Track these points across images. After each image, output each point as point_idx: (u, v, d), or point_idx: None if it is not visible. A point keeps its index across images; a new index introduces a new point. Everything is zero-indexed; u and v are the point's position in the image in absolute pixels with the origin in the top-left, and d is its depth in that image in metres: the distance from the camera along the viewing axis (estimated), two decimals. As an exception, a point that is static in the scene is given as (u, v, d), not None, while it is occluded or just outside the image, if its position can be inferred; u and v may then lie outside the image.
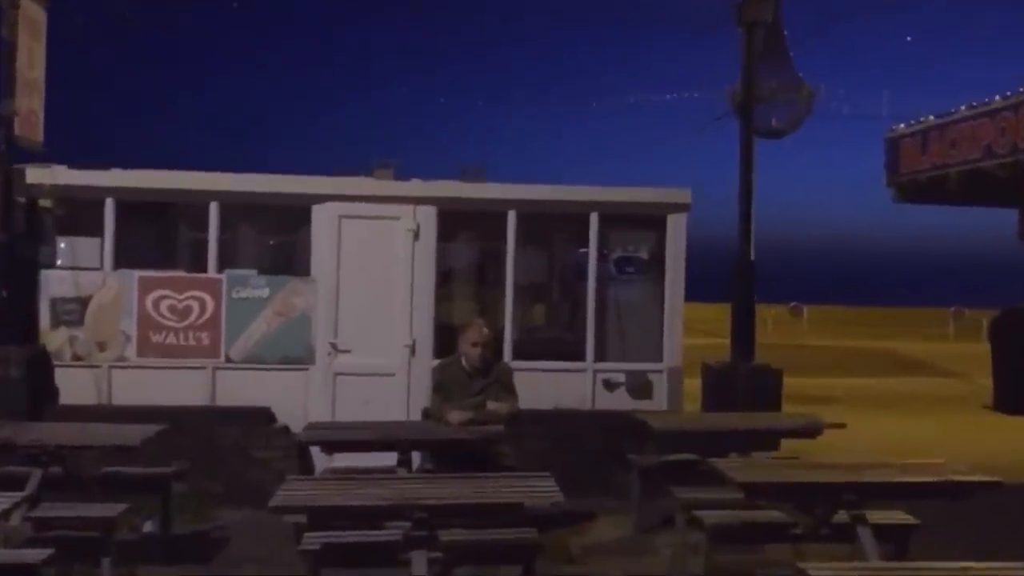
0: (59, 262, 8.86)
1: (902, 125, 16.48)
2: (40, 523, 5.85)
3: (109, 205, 8.75)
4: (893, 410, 14.71)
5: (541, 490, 5.28)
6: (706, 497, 6.32)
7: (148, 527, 7.08)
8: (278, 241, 9.72)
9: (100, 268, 8.78)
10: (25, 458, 6.35)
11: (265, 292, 8.84)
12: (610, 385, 9.08)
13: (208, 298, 8.78)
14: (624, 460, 7.79)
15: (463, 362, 7.04)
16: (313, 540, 5.30)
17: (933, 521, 5.93)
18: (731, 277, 9.81)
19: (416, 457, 7.26)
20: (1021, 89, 13.82)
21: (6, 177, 8.49)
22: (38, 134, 8.83)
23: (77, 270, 8.78)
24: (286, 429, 8.46)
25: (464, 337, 7.05)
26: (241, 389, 8.70)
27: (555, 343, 9.51)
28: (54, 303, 8.70)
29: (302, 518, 5.44)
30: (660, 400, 9.10)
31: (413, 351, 8.92)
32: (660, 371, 9.15)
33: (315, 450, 8.03)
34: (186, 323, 8.76)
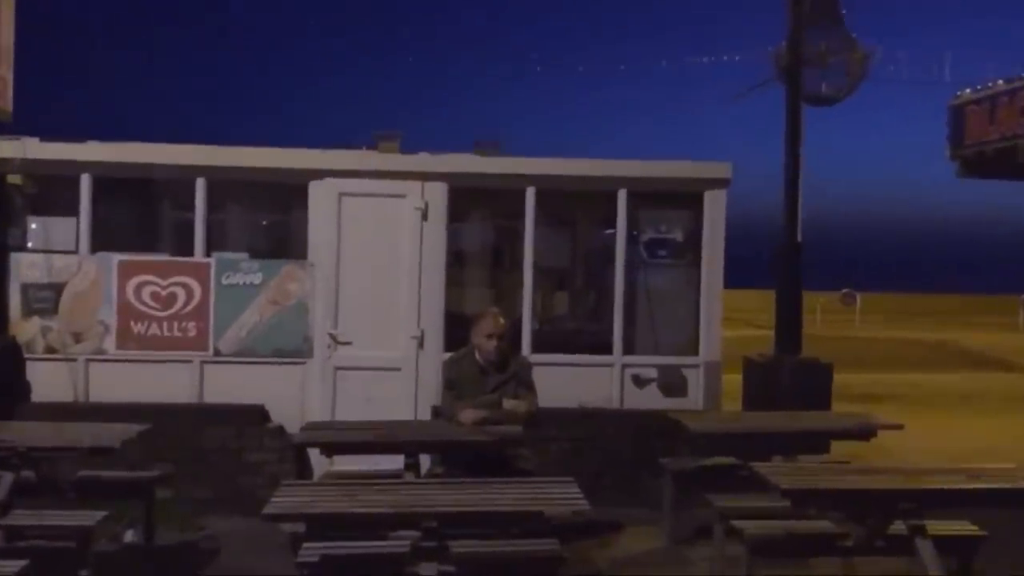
0: (30, 245, 8.90)
1: (967, 91, 16.33)
2: (11, 532, 5.90)
3: (85, 181, 8.78)
4: (956, 409, 14.66)
5: (563, 497, 5.28)
6: (747, 505, 6.31)
7: (129, 537, 7.11)
8: (272, 221, 9.75)
9: (76, 251, 8.81)
10: (-6, 461, 6.39)
11: (257, 278, 8.86)
12: (640, 381, 9.07)
13: (195, 284, 8.81)
14: (655, 464, 7.79)
15: (476, 356, 7.04)
16: (311, 551, 5.31)
17: (1001, 533, 5.91)
18: (775, 261, 9.79)
19: (425, 460, 7.28)
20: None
21: (-29, 151, 8.53)
22: (7, 102, 8.86)
23: (50, 253, 8.81)
24: (281, 429, 8.49)
25: (478, 328, 7.05)
26: (231, 385, 8.72)
27: (579, 335, 9.50)
28: (25, 290, 8.74)
29: (299, 527, 5.45)
30: (696, 398, 9.08)
31: (421, 343, 8.93)
32: (696, 366, 9.13)
33: (313, 452, 8.07)
34: (170, 312, 8.79)
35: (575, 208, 9.68)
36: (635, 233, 9.30)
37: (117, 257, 8.81)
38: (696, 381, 9.12)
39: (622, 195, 9.11)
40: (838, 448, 7.80)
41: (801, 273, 9.70)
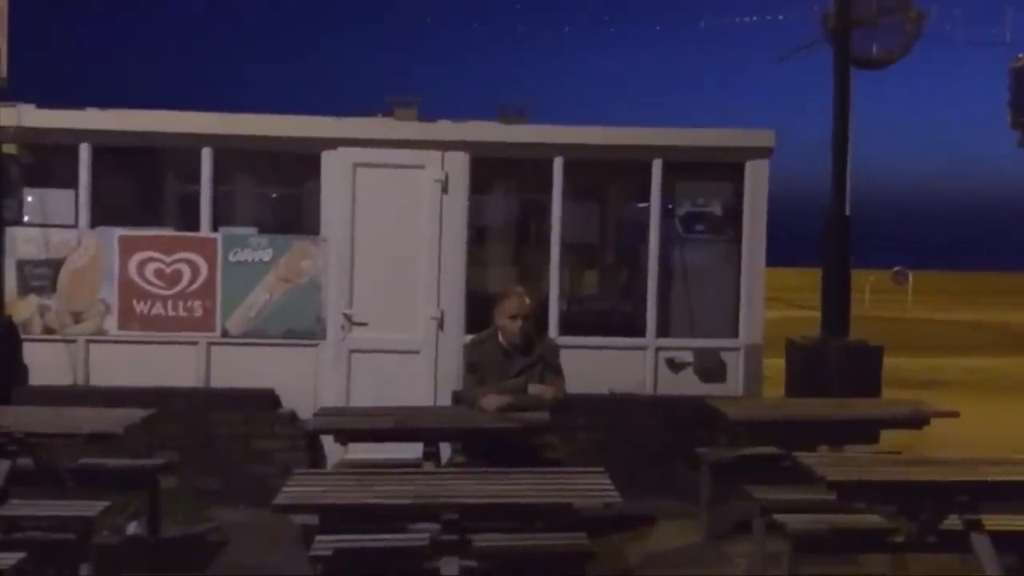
0: (26, 219, 8.95)
1: (1031, 53, 16.15)
2: (8, 523, 5.95)
3: (84, 151, 8.82)
4: (1017, 396, 14.56)
5: (593, 489, 5.29)
6: (790, 498, 6.31)
7: (132, 528, 7.18)
8: (282, 194, 9.77)
9: (75, 226, 8.85)
10: (-10, 448, 6.45)
11: (267, 254, 8.89)
12: (675, 365, 9.06)
13: (201, 261, 8.85)
14: (691, 454, 7.79)
15: (500, 338, 7.05)
16: (324, 545, 5.35)
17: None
18: (822, 237, 9.75)
19: (445, 449, 7.30)
20: None
21: (-37, 119, 8.58)
22: (1, 69, 8.89)
23: (48, 228, 8.86)
24: (292, 415, 8.54)
25: (501, 308, 7.05)
26: (240, 368, 8.77)
27: (610, 315, 9.50)
28: (21, 267, 8.80)
29: (312, 519, 5.49)
30: (735, 384, 9.07)
31: (441, 324, 8.94)
32: (735, 349, 9.11)
33: (326, 440, 8.12)
34: (175, 290, 8.83)
35: (606, 180, 9.65)
36: (671, 206, 9.28)
37: (118, 232, 8.84)
38: (735, 365, 9.10)
39: (657, 165, 9.07)
40: (888, 437, 7.78)
41: (849, 249, 9.66)
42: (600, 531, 6.35)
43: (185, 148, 8.95)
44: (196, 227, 8.91)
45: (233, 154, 9.05)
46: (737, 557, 7.05)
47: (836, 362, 9.28)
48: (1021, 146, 16.83)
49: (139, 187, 9.41)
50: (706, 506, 7.57)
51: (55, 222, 8.88)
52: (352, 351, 8.91)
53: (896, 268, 32.70)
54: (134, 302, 8.82)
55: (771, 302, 10.30)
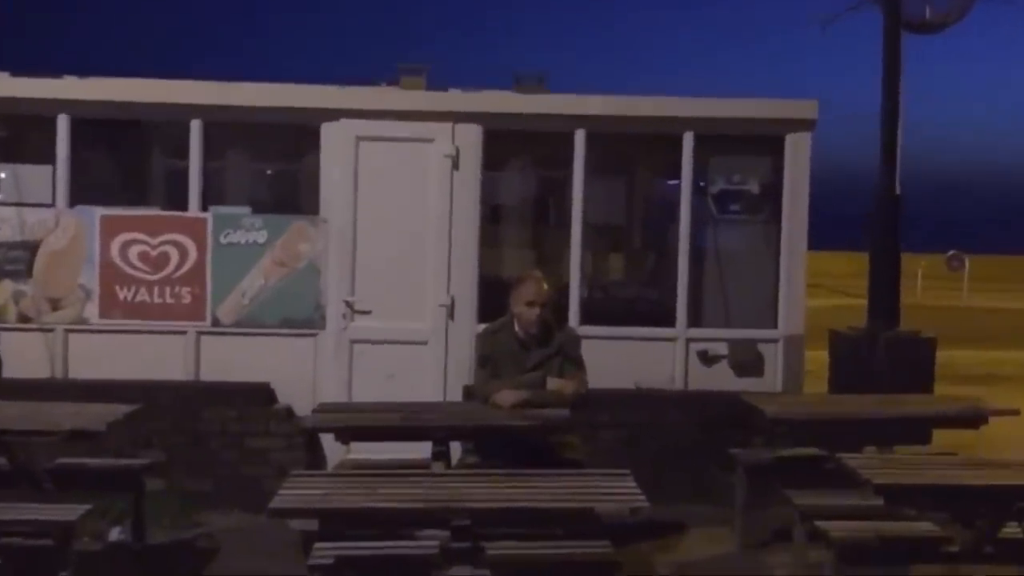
0: (0, 197, 9.00)
1: (1101, 15, 16.07)
2: (-18, 527, 5.99)
3: (63, 123, 8.84)
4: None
5: (617, 492, 5.30)
6: (833, 504, 6.32)
7: (116, 534, 7.22)
8: (278, 171, 9.79)
9: (52, 205, 8.89)
10: (-39, 446, 6.50)
11: (262, 236, 8.91)
12: (708, 358, 9.07)
13: (189, 243, 8.87)
14: (725, 455, 7.80)
15: (516, 327, 7.06)
16: (325, 552, 5.36)
17: None
18: (869, 217, 9.72)
19: (456, 448, 7.32)
20: None
21: (-67, 88, 8.62)
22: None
23: (23, 207, 8.90)
24: (289, 411, 8.57)
25: (517, 295, 7.06)
26: (232, 360, 8.80)
27: (636, 303, 9.51)
28: (-5, 249, 8.85)
29: (311, 525, 5.51)
30: (773, 378, 9.07)
31: (451, 313, 8.96)
32: (774, 340, 9.10)
33: (327, 438, 8.15)
34: (161, 275, 8.86)
35: (632, 155, 9.65)
36: (703, 184, 9.26)
37: (100, 211, 8.87)
38: (774, 358, 9.09)
39: (688, 139, 9.06)
40: (941, 437, 7.77)
41: (900, 232, 9.63)
42: (625, 539, 6.36)
43: (172, 120, 8.97)
44: (184, 206, 8.92)
45: (224, 127, 9.06)
46: (775, 568, 7.07)
47: (885, 355, 9.28)
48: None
49: (122, 163, 9.44)
50: (741, 512, 7.59)
51: (31, 201, 8.90)
52: (354, 341, 8.93)
53: (951, 252, 32.57)
54: (117, 288, 8.85)
55: (813, 289, 10.29)
